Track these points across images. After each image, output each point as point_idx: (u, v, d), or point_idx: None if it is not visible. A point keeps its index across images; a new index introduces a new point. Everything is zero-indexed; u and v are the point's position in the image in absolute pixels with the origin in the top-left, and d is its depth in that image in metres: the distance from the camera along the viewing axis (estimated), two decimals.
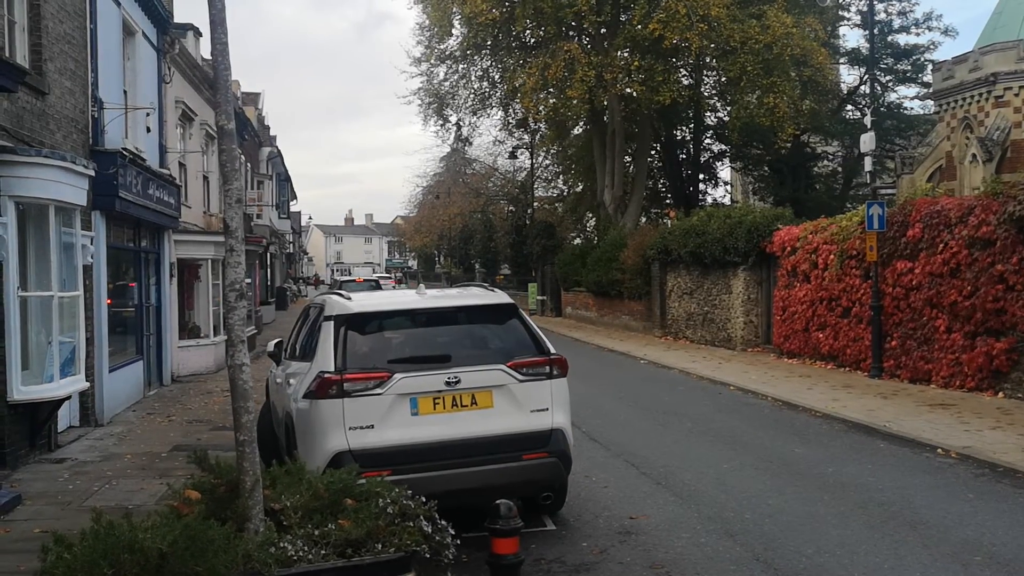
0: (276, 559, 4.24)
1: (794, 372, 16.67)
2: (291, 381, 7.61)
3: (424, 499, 4.99)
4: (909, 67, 38.03)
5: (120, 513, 4.51)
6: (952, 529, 6.92)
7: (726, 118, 35.86)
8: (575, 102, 28.05)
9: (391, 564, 4.41)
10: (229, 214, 4.97)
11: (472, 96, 36.90)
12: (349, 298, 7.41)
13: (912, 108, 40.81)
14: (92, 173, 10.83)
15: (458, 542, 4.88)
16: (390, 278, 59.74)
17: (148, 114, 15.47)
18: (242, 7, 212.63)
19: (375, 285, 38.76)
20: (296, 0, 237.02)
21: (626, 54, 29.41)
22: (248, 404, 4.83)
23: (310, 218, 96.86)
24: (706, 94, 36.10)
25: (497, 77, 35.74)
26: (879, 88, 36.79)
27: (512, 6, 29.85)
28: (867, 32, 22.72)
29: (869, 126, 18.03)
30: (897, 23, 37.51)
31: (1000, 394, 12.71)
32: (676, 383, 16.43)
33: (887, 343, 15.21)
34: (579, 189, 42.93)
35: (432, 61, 34.92)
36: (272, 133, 47.32)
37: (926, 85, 36.57)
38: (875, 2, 33.03)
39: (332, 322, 6.92)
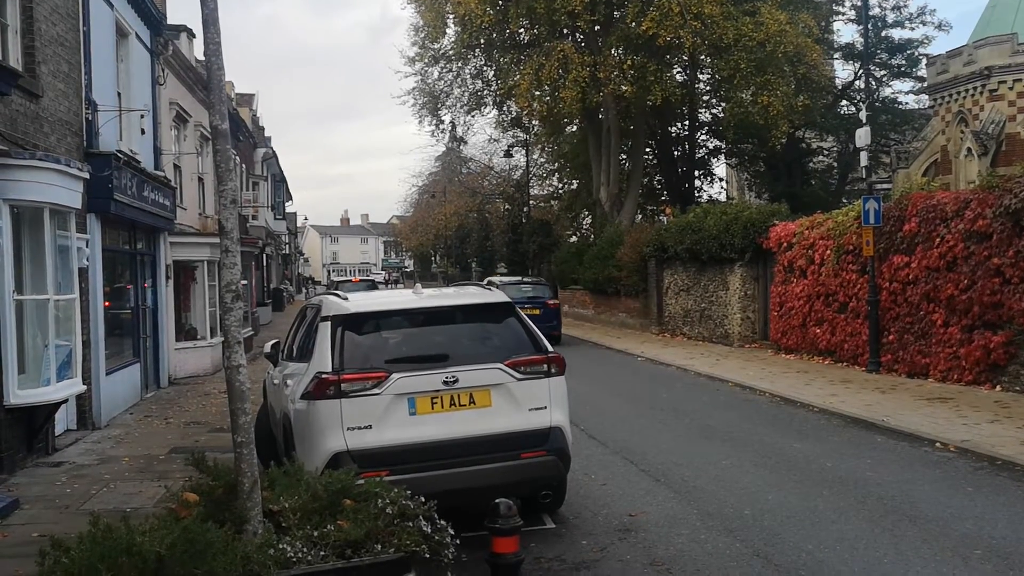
0: (275, 561, 4.22)
1: (792, 368, 16.67)
2: (288, 382, 7.58)
3: (423, 499, 4.98)
4: (903, 62, 38.13)
5: (118, 516, 4.48)
6: (952, 523, 6.92)
7: (721, 115, 35.87)
8: (569, 102, 28.01)
9: (390, 565, 4.40)
10: (224, 215, 4.93)
11: (466, 95, 36.88)
12: (346, 298, 7.39)
13: (907, 103, 40.93)
14: (87, 176, 10.79)
15: (457, 542, 4.86)
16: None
17: (142, 116, 15.42)
18: (240, 8, 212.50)
19: (371, 285, 38.65)
20: (294, 4, 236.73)
21: (619, 53, 29.35)
22: (245, 406, 4.81)
23: (306, 219, 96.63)
24: (701, 91, 36.07)
25: (491, 76, 35.68)
26: (874, 83, 36.81)
27: (505, 6, 29.80)
28: (861, 27, 22.70)
29: (864, 121, 18.02)
30: (891, 18, 37.64)
31: (998, 387, 12.72)
32: (674, 380, 16.43)
33: (884, 338, 15.21)
34: (575, 186, 42.89)
35: (426, 61, 34.86)
36: (267, 134, 47.25)
37: (921, 79, 36.65)
38: None
39: (329, 322, 6.89)
